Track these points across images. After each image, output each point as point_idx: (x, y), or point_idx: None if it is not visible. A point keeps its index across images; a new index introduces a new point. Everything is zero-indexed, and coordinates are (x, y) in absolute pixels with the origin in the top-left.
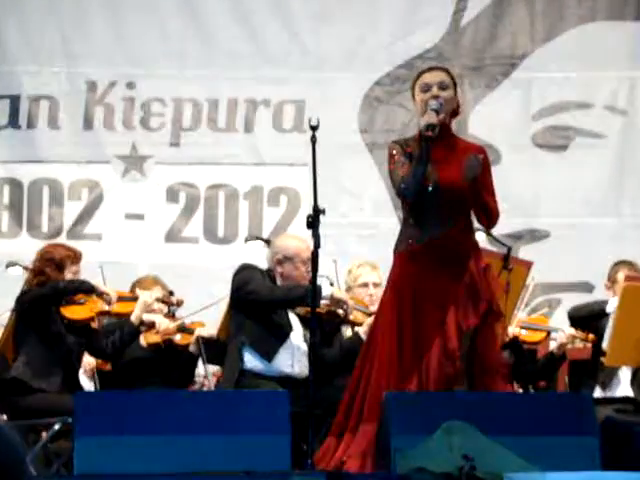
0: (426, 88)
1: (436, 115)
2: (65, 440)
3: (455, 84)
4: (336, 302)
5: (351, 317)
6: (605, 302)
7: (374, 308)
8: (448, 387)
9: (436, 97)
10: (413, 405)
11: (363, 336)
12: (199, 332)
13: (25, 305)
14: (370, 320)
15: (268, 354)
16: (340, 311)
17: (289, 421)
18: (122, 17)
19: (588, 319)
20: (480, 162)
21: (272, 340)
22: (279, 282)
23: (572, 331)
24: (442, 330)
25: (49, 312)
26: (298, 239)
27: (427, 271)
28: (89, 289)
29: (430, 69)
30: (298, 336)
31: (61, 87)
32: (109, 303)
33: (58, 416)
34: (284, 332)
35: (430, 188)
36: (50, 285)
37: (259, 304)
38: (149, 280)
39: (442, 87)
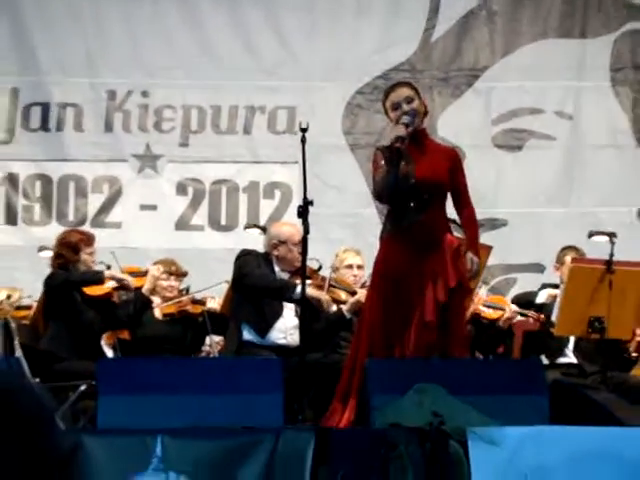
0: (396, 106)
1: (405, 128)
2: (90, 400)
3: (418, 92)
4: (311, 298)
5: (337, 296)
6: (537, 294)
7: (357, 287)
8: (427, 354)
9: (406, 112)
10: (389, 369)
11: (346, 313)
12: (209, 304)
13: (49, 289)
14: (352, 299)
15: (262, 331)
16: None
17: (282, 384)
18: (138, 35)
19: (524, 305)
20: (477, 261)
21: (266, 319)
22: (275, 264)
23: (515, 308)
24: (421, 304)
25: (70, 294)
26: (290, 225)
27: (407, 252)
28: (97, 279)
29: (394, 87)
30: (290, 312)
31: (85, 96)
32: (129, 287)
33: (83, 379)
34: (276, 313)
35: (412, 181)
36: (69, 276)
37: (254, 289)
38: (167, 263)
39: (409, 101)
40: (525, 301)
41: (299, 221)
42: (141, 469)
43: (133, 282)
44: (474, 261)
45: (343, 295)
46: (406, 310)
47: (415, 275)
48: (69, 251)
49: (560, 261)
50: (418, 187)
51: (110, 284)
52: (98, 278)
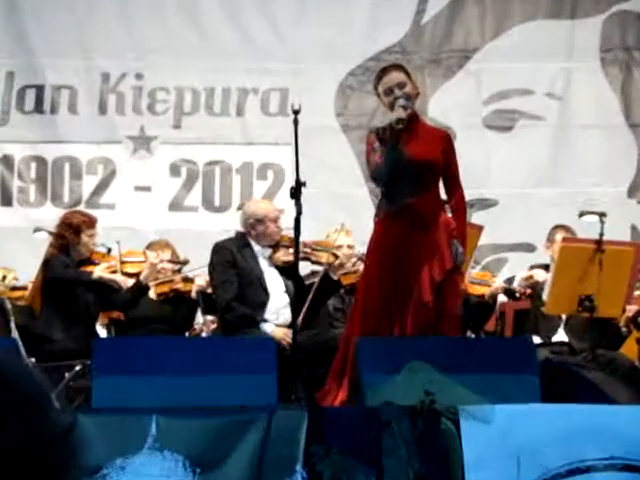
0: (389, 91)
1: (404, 110)
2: (84, 379)
3: (409, 75)
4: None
5: (319, 258)
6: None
7: (349, 266)
8: (424, 332)
9: (400, 97)
10: (382, 348)
11: (331, 275)
12: (197, 282)
13: (48, 278)
14: (337, 261)
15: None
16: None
17: (276, 363)
18: (131, 17)
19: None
20: (463, 251)
21: (256, 303)
22: (254, 242)
23: (501, 284)
24: (417, 283)
25: (67, 285)
26: (264, 202)
27: (402, 233)
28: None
29: (385, 71)
30: (279, 292)
31: (79, 78)
32: (119, 288)
33: (78, 359)
34: (264, 295)
35: (409, 162)
36: (60, 273)
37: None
38: (161, 244)
39: (401, 86)
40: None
41: (292, 202)
42: (136, 448)
43: (124, 282)
44: (459, 251)
45: (325, 256)
46: (402, 290)
47: (411, 255)
48: (71, 232)
49: (551, 240)
50: (414, 168)
51: (108, 264)
52: (85, 281)
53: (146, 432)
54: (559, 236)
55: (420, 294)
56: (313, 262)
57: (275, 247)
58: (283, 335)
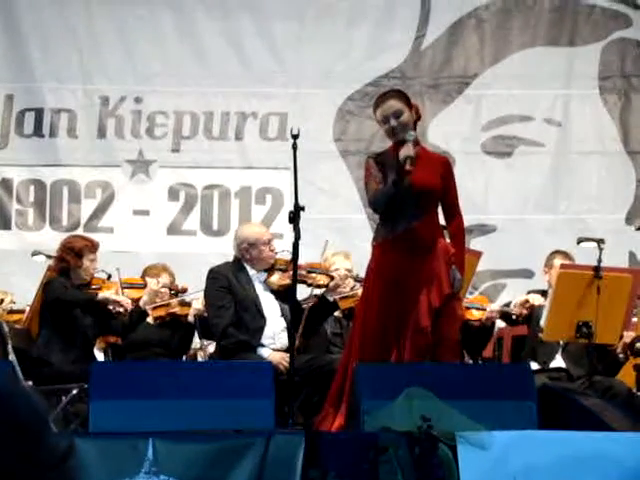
0: (385, 120)
1: (413, 147)
2: (81, 403)
3: (408, 100)
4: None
5: (316, 281)
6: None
7: (347, 290)
8: (422, 357)
9: (396, 125)
10: (379, 374)
11: (328, 296)
12: (195, 305)
13: (49, 301)
14: (332, 283)
15: (250, 345)
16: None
17: (273, 388)
18: (130, 42)
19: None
20: (461, 277)
21: (252, 331)
22: (248, 266)
23: (497, 307)
24: (415, 309)
25: (67, 307)
26: (256, 225)
27: (401, 258)
28: (88, 302)
29: (383, 98)
30: (275, 316)
31: (78, 102)
32: (126, 310)
33: (75, 382)
34: (259, 327)
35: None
36: (62, 294)
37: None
38: (159, 267)
39: (397, 115)
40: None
41: (290, 226)
42: (133, 472)
43: (127, 304)
44: (457, 278)
45: (320, 278)
46: (401, 315)
47: (410, 280)
48: (73, 256)
49: (549, 265)
50: (414, 194)
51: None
52: (89, 300)
53: (143, 456)
54: (557, 261)
55: (418, 319)
56: (308, 285)
57: (270, 271)
58: (280, 359)
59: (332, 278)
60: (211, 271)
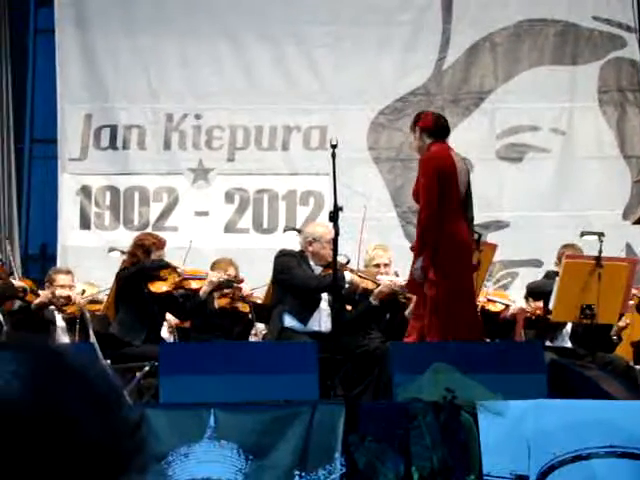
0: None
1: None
2: (153, 378)
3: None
4: (350, 285)
5: (365, 285)
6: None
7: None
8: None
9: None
10: (410, 352)
11: (372, 301)
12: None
13: (121, 281)
14: (377, 289)
15: (303, 319)
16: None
17: (317, 364)
18: (191, 65)
19: (537, 295)
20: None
21: (306, 309)
22: (311, 260)
23: (522, 305)
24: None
25: (139, 287)
26: (322, 225)
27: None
28: (164, 265)
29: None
30: (324, 302)
31: (147, 119)
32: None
33: (147, 361)
34: (315, 303)
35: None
36: (137, 266)
37: (295, 288)
38: (225, 261)
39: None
40: (539, 291)
41: (330, 224)
42: (197, 438)
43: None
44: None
45: (370, 285)
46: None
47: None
48: (142, 252)
49: (560, 257)
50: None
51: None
52: (164, 263)
53: (205, 424)
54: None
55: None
56: (364, 291)
57: (326, 268)
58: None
59: (378, 284)
60: (282, 250)
